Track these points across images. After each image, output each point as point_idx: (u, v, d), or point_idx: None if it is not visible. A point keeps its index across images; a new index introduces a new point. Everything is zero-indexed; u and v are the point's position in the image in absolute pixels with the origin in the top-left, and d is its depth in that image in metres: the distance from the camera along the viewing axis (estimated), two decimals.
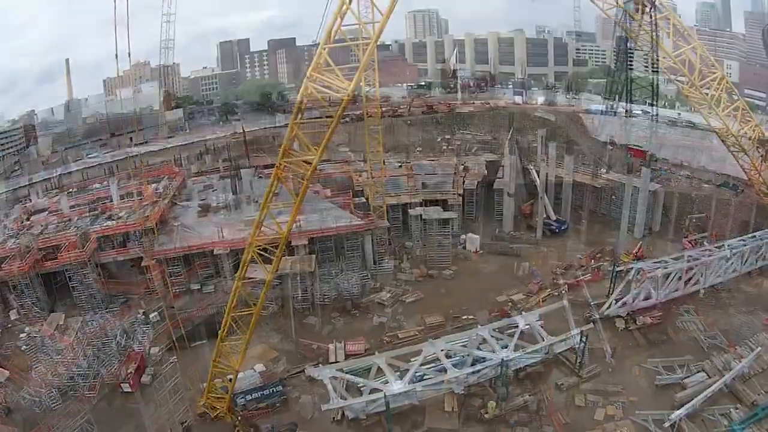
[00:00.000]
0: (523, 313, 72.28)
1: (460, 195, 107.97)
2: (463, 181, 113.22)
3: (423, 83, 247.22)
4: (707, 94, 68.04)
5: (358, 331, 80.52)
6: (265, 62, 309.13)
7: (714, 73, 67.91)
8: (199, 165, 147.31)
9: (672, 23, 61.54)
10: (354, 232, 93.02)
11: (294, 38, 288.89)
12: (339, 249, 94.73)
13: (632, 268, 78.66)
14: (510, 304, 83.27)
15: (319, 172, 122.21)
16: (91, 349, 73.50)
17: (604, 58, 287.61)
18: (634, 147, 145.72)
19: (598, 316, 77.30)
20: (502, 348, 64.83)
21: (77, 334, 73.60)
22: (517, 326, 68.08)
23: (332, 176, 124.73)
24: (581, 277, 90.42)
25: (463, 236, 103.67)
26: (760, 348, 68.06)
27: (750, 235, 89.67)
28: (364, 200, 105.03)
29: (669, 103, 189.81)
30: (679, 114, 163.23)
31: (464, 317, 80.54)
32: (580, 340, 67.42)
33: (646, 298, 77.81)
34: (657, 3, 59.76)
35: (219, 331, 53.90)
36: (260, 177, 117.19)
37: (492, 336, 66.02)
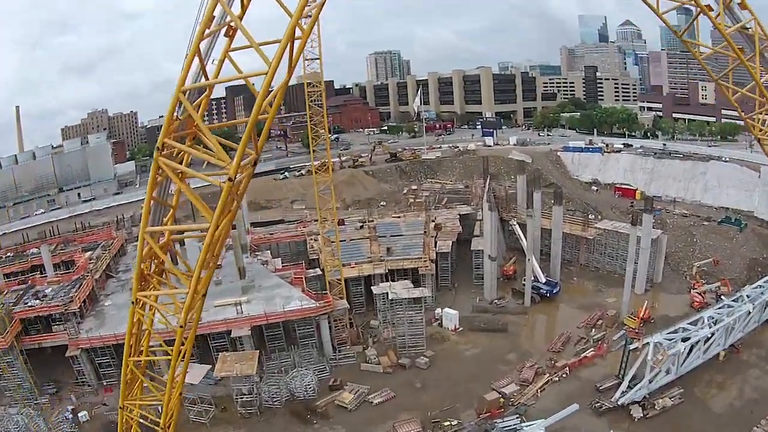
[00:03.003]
0: (524, 426, 56.21)
1: (432, 261, 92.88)
2: (435, 243, 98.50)
3: (386, 128, 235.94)
4: None
5: None
6: (224, 110, 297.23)
7: None
8: None
9: (757, 35, 43.81)
10: (307, 316, 77.03)
11: (253, 84, 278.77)
12: (291, 335, 78.96)
13: (647, 343, 64.61)
14: (502, 399, 67.23)
15: (270, 237, 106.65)
16: None
17: (573, 91, 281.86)
18: (623, 186, 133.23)
19: (609, 406, 63.48)
20: None
21: None
22: None
23: (284, 241, 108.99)
24: (583, 354, 75.66)
25: (439, 311, 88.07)
26: None
27: (765, 279, 78.19)
28: (320, 272, 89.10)
29: (648, 134, 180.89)
30: (665, 144, 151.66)
31: (446, 422, 64.45)
32: None
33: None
34: (734, 3, 41.53)
35: None
36: None
37: None
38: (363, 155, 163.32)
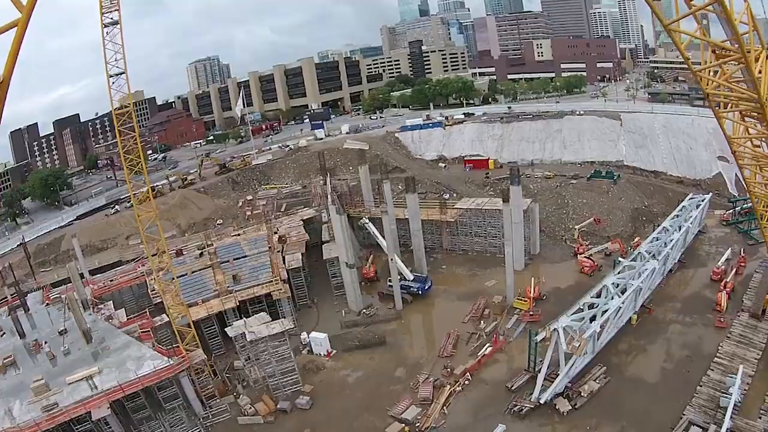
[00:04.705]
0: None
1: (284, 281, 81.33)
2: (283, 258, 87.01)
3: (212, 137, 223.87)
4: None
5: None
6: (54, 147, 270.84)
7: None
8: None
9: None
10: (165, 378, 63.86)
11: (78, 114, 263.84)
12: (155, 398, 64.85)
13: (555, 330, 56.91)
14: (407, 429, 57.16)
15: (110, 285, 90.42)
16: None
17: (399, 69, 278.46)
18: (472, 157, 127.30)
19: (530, 406, 56.67)
20: None
21: None
22: None
23: (125, 286, 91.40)
24: (481, 353, 67.39)
25: (305, 336, 76.50)
26: (741, 366, 55.93)
27: (659, 229, 77.72)
28: (167, 319, 74.92)
29: (489, 99, 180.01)
30: (510, 107, 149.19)
31: None
32: None
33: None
34: None
35: None
36: (48, 304, 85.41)
37: None
38: (192, 172, 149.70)
